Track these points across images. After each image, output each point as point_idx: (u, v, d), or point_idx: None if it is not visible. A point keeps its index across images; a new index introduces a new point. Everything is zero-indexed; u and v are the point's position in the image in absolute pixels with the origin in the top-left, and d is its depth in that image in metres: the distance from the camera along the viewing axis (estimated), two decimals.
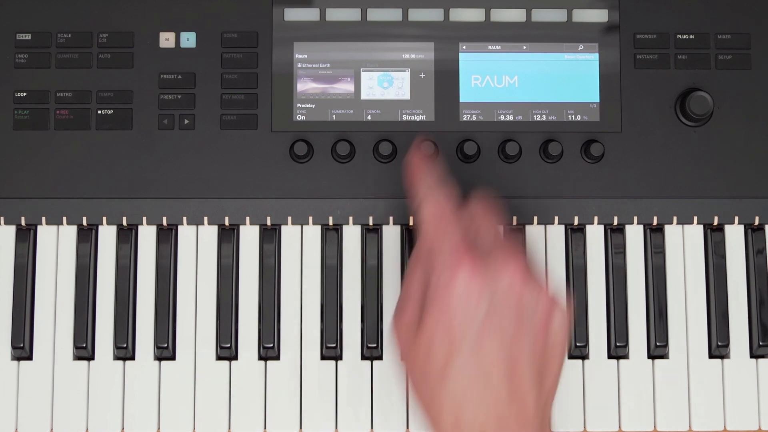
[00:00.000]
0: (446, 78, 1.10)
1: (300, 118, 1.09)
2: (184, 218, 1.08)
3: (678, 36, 1.10)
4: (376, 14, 1.10)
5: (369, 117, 1.09)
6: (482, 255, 0.86)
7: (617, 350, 1.08)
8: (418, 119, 1.09)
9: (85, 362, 1.07)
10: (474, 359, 0.84)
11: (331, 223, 1.09)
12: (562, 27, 1.10)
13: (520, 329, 0.85)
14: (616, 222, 1.09)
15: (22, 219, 1.08)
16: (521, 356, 0.85)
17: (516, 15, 1.11)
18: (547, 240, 1.09)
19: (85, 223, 1.08)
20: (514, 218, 1.09)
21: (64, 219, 1.08)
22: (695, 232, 1.10)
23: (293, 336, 1.07)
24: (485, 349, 0.84)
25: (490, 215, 0.92)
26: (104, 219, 1.08)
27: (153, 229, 1.09)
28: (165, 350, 1.07)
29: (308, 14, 1.10)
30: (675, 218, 1.09)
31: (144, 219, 1.08)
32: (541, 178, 1.09)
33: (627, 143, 1.09)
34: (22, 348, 1.06)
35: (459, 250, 0.86)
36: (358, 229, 1.09)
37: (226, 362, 1.07)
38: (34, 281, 1.08)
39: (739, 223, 1.09)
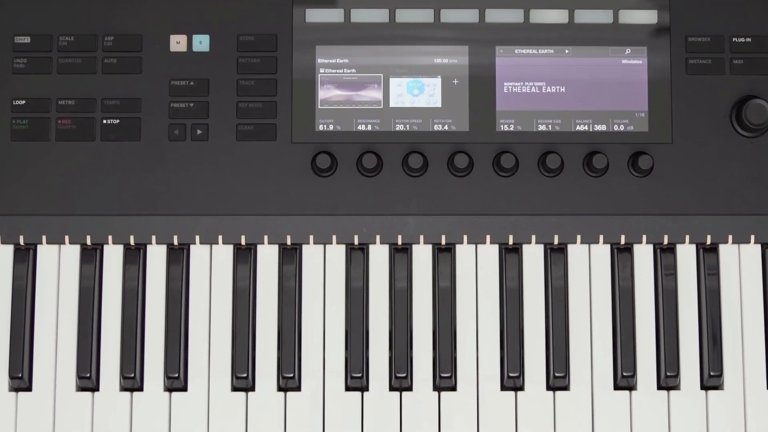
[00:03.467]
0: (481, 85, 1.07)
1: (322, 128, 1.07)
2: (197, 237, 1.06)
3: (734, 39, 1.08)
4: (405, 15, 1.08)
5: (398, 127, 1.07)
6: None
7: (667, 380, 1.04)
8: (450, 129, 1.07)
9: (89, 393, 1.04)
10: None
11: (356, 242, 1.06)
12: (607, 29, 1.08)
13: None
14: (666, 241, 1.06)
15: (21, 238, 1.06)
16: None
17: (557, 16, 1.08)
18: (591, 261, 1.07)
19: (89, 242, 1.06)
20: (555, 237, 1.05)
21: (66, 238, 1.06)
22: (752, 251, 1.06)
23: (315, 365, 1.05)
24: None
25: None
26: (110, 238, 1.06)
27: (163, 248, 1.06)
28: (176, 380, 1.04)
29: (332, 15, 1.08)
30: (730, 237, 1.06)
31: (153, 238, 1.06)
32: (584, 193, 1.06)
33: (678, 155, 1.06)
34: (21, 378, 1.04)
35: None
36: (385, 248, 1.06)
37: (243, 393, 1.04)
38: (34, 305, 1.06)
39: None
